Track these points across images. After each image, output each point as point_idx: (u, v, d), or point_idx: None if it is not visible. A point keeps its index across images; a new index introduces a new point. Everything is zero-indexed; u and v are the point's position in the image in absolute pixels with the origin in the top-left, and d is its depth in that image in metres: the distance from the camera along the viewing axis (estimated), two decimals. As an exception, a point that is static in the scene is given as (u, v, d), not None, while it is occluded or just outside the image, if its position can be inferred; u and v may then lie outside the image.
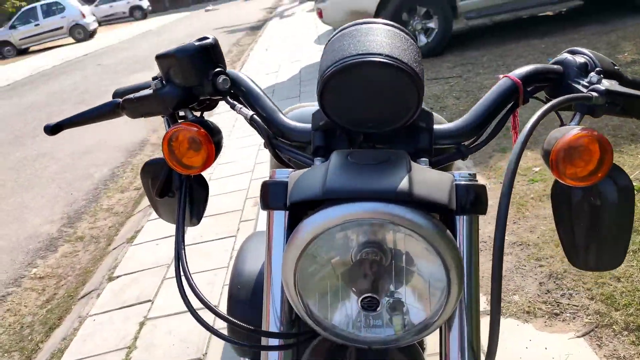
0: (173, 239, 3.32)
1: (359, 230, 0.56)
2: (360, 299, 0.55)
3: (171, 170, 0.79)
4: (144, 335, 2.44)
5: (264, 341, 0.66)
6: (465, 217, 0.63)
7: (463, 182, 0.61)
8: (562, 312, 2.06)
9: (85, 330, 2.58)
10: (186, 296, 0.69)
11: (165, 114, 0.76)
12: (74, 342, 2.52)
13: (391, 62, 0.57)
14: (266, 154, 4.44)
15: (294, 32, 11.16)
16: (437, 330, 0.63)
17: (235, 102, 0.74)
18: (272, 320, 0.64)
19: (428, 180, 0.56)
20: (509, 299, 2.18)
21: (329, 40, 0.66)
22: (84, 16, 21.03)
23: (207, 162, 0.72)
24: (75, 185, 4.80)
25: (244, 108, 0.72)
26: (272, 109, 0.73)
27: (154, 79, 0.74)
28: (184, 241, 0.72)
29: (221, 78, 0.72)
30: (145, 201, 4.08)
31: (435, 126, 0.68)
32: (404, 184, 0.53)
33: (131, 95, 0.77)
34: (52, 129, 0.84)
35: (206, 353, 2.24)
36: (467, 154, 0.70)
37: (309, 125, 0.71)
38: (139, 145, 5.69)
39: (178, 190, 0.77)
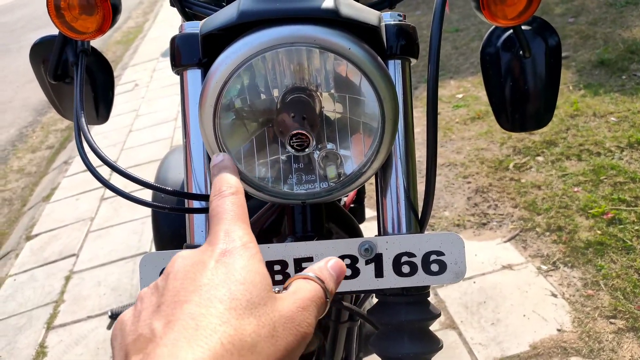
0: (93, 192, 3.14)
1: (283, 68, 0.50)
2: (289, 137, 0.50)
3: (64, 45, 0.69)
4: (71, 288, 2.31)
5: (188, 205, 0.60)
6: (397, 60, 0.59)
7: (393, 22, 0.57)
8: (489, 222, 2.15)
9: (5, 291, 2.41)
10: (87, 158, 0.61)
11: None
12: (-7, 305, 2.35)
13: None
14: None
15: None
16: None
17: None
18: (194, 185, 0.59)
19: (352, 3, 0.51)
20: (440, 214, 2.24)
21: None
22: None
23: (104, 26, 0.63)
24: (-21, 149, 4.40)
25: None
26: None
27: None
28: (83, 111, 0.63)
29: None
30: (61, 157, 3.82)
31: None
32: (328, 2, 0.48)
33: None
34: None
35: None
36: (395, 2, 0.66)
37: None
38: (47, 103, 5.28)
39: (74, 65, 0.68)
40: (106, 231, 2.71)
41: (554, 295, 1.73)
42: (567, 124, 2.66)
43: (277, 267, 0.55)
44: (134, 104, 4.43)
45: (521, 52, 0.71)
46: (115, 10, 0.64)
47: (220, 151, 0.52)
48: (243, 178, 0.54)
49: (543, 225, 2.04)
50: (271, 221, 0.69)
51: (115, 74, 5.32)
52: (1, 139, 4.50)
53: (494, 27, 0.73)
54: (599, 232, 1.94)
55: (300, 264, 0.55)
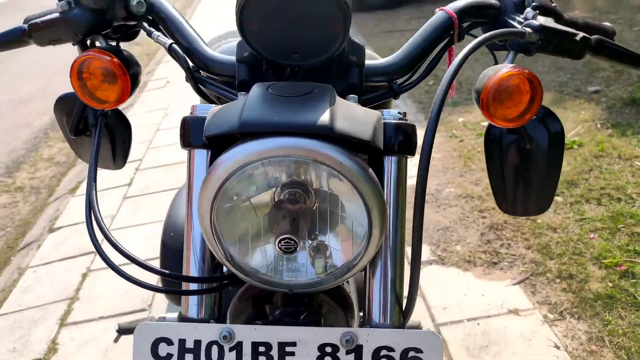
0: (116, 190, 3.23)
1: (280, 169, 0.53)
2: (277, 241, 0.53)
3: (86, 106, 0.73)
4: (87, 286, 2.39)
5: (185, 287, 0.63)
6: (393, 157, 0.61)
7: (392, 121, 0.59)
8: (501, 261, 2.14)
9: (25, 282, 2.50)
10: (96, 239, 0.65)
11: (75, 40, 0.70)
12: (13, 294, 2.43)
13: None
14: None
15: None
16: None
17: (152, 29, 0.68)
18: (192, 266, 0.62)
19: (352, 115, 0.53)
20: (452, 249, 2.24)
21: None
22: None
23: (123, 97, 0.67)
24: (13, 133, 4.55)
25: (162, 36, 0.67)
26: (194, 38, 0.68)
27: (59, 0, 0.68)
28: (95, 183, 0.67)
29: (135, 0, 0.66)
30: (89, 151, 3.92)
31: (367, 62, 0.65)
32: (324, 117, 0.50)
33: (37, 20, 0.70)
34: None
35: (151, 304, 2.21)
36: (399, 92, 0.68)
37: (234, 58, 0.67)
38: (83, 93, 5.42)
39: (92, 127, 0.72)
40: (126, 231, 2.79)
41: (557, 347, 1.72)
42: (590, 165, 2.63)
43: (261, 349, 0.58)
44: (164, 102, 4.53)
45: (524, 142, 0.72)
46: (135, 80, 0.68)
47: (214, 238, 0.55)
48: (234, 264, 0.57)
49: (554, 271, 2.03)
50: (257, 297, 0.72)
51: (147, 69, 5.42)
52: (35, 126, 4.65)
53: None
54: (610, 284, 1.91)
55: (284, 348, 0.58)
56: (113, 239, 0.64)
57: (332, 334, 0.57)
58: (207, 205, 0.54)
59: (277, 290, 0.59)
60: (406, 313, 0.62)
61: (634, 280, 1.91)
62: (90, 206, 0.66)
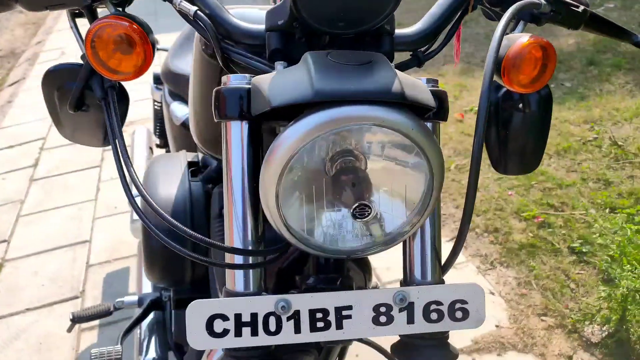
0: (20, 172, 2.94)
1: (340, 137, 0.53)
2: (353, 207, 0.53)
3: (90, 78, 0.66)
4: (5, 278, 2.19)
5: (229, 259, 0.61)
6: (429, 123, 0.63)
7: (428, 88, 0.61)
8: (433, 221, 2.27)
9: None
10: (139, 207, 0.61)
11: (81, 5, 0.63)
12: None
13: None
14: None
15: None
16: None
17: None
18: (237, 240, 0.60)
19: (412, 83, 0.54)
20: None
21: None
22: None
23: (144, 67, 0.62)
24: None
25: (185, 2, 0.62)
26: (217, 5, 0.64)
27: None
28: (127, 153, 0.62)
29: None
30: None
31: (396, 31, 0.66)
32: (396, 85, 0.51)
33: None
34: None
35: (83, 290, 2.09)
36: (423, 61, 0.70)
37: (261, 27, 0.64)
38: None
39: (102, 100, 0.66)
40: (39, 216, 2.57)
41: (492, 294, 1.88)
42: (501, 128, 2.84)
43: (319, 315, 0.58)
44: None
45: (521, 106, 0.77)
46: (153, 50, 0.63)
47: (278, 211, 0.54)
48: (292, 232, 0.56)
49: (482, 226, 2.20)
50: (291, 260, 0.72)
51: (37, 39, 4.91)
52: None
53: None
54: (530, 234, 2.12)
55: (340, 312, 0.59)
56: (160, 211, 0.60)
57: (385, 295, 0.59)
58: (274, 178, 0.52)
59: (334, 256, 0.59)
60: (445, 269, 0.65)
61: (551, 230, 2.13)
62: (126, 183, 0.61)
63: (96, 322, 1.92)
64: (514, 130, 0.79)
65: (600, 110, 2.94)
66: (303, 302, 0.58)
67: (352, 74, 0.52)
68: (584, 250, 2.00)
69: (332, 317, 0.59)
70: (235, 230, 0.60)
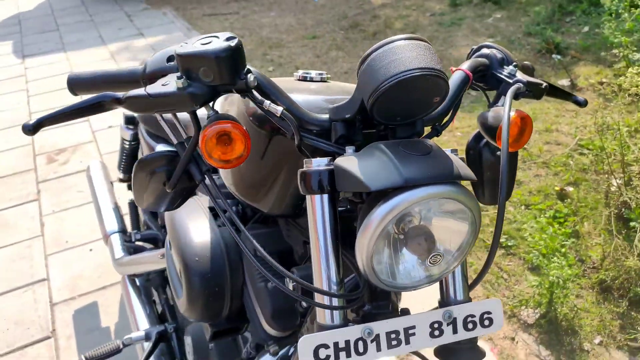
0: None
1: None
2: (430, 257, 0.72)
3: (189, 164, 0.80)
4: (-38, 327, 2.12)
5: (320, 300, 0.78)
6: None
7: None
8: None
9: None
10: (254, 259, 0.75)
11: (188, 110, 0.76)
12: None
13: (434, 73, 0.72)
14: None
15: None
16: None
17: (263, 98, 0.78)
18: (325, 284, 0.76)
19: (460, 164, 0.74)
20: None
21: (368, 56, 0.75)
22: None
23: (243, 157, 0.76)
24: None
25: (273, 104, 0.77)
26: (292, 101, 0.80)
27: (178, 77, 0.73)
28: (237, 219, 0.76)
29: (252, 77, 0.75)
30: None
31: None
32: (455, 169, 0.71)
33: (143, 92, 0.74)
34: (33, 128, 0.77)
35: (54, 330, 2.09)
36: (440, 131, 0.90)
37: (325, 116, 0.81)
38: None
39: (201, 183, 0.79)
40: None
41: (442, 290, 2.16)
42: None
43: (392, 336, 0.77)
44: None
45: (498, 153, 1.01)
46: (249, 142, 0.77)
47: (371, 264, 0.71)
48: (378, 277, 0.74)
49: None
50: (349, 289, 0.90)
51: None
52: None
53: (477, 131, 1.00)
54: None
55: (407, 332, 0.78)
56: (278, 266, 0.75)
57: (437, 314, 0.79)
58: (370, 242, 0.70)
59: (404, 290, 0.78)
60: (471, 288, 0.86)
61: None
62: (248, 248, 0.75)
63: (74, 359, 1.95)
64: (492, 167, 1.02)
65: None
66: (381, 327, 0.77)
67: (423, 162, 0.71)
68: (509, 244, 2.35)
69: (402, 336, 0.78)
70: (324, 277, 0.77)
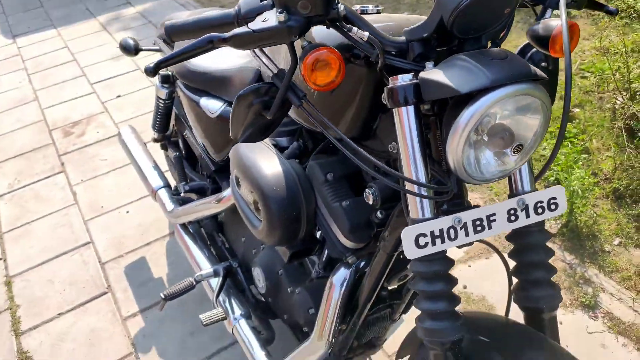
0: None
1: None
2: (514, 147, 0.84)
3: (287, 92, 0.90)
4: (20, 292, 2.24)
5: (413, 197, 0.89)
6: None
7: None
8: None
9: None
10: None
11: (287, 42, 0.85)
12: None
13: None
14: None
15: None
16: None
17: (350, 26, 0.87)
18: (417, 179, 0.88)
19: (533, 66, 0.85)
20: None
21: None
22: None
23: (338, 80, 0.86)
24: None
25: (360, 30, 0.87)
26: (373, 27, 0.89)
27: (280, 12, 0.81)
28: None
29: (342, 6, 0.84)
30: None
31: None
32: (532, 69, 0.81)
33: (246, 29, 0.82)
34: (153, 70, 0.86)
35: (109, 285, 2.22)
36: (499, 45, 1.00)
37: (402, 38, 0.91)
38: None
39: (300, 107, 0.89)
40: (24, 230, 2.59)
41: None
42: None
43: (477, 223, 0.89)
44: None
45: (544, 64, 1.11)
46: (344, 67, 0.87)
47: (462, 160, 0.82)
48: (467, 171, 0.85)
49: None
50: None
51: None
52: None
53: (522, 46, 1.09)
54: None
55: (489, 218, 0.90)
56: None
57: (512, 203, 0.92)
58: (461, 141, 0.81)
59: (485, 183, 0.90)
60: (537, 179, 0.98)
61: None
62: None
63: (135, 309, 2.09)
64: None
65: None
66: (468, 216, 0.89)
67: (503, 65, 0.82)
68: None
69: (485, 223, 0.91)
70: (414, 174, 0.88)
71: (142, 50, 2.08)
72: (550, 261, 1.00)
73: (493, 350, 0.96)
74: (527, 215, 0.94)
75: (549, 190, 0.96)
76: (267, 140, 1.41)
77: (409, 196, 0.91)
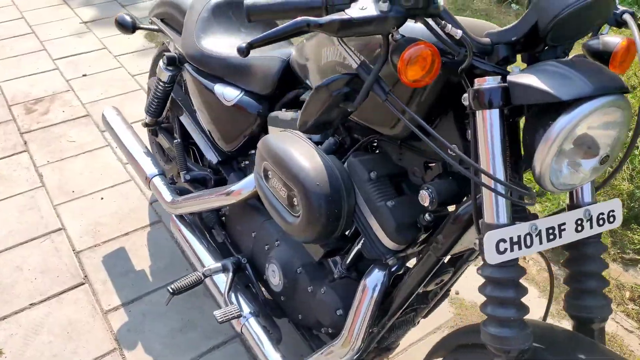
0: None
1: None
2: (601, 158, 0.85)
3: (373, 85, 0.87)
4: (-15, 279, 2.06)
5: (489, 197, 0.89)
6: None
7: None
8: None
9: None
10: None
11: (384, 33, 0.82)
12: None
13: None
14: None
15: None
16: None
17: (445, 22, 0.85)
18: (499, 186, 0.87)
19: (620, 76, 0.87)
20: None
21: None
22: None
23: (432, 75, 0.85)
24: None
25: (453, 27, 0.85)
26: (462, 26, 0.88)
27: (383, 1, 0.79)
28: None
29: (441, 2, 0.82)
30: None
31: None
32: (623, 81, 0.83)
33: (345, 16, 0.79)
34: (245, 50, 0.82)
35: (85, 276, 2.08)
36: (568, 54, 1.02)
37: (487, 39, 0.90)
38: None
39: (385, 100, 0.87)
40: (-13, 210, 2.39)
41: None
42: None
43: (550, 230, 0.90)
44: None
45: None
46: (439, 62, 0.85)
47: (549, 170, 0.82)
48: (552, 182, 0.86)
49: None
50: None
51: None
52: None
53: None
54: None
55: (560, 227, 0.92)
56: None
57: (579, 213, 0.94)
58: (552, 149, 0.81)
59: (561, 192, 0.91)
60: (597, 190, 1.01)
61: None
62: None
63: (117, 302, 1.97)
64: None
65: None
66: (543, 223, 0.91)
67: (599, 75, 0.83)
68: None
69: (557, 231, 0.92)
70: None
71: (139, 28, 1.97)
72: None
73: (550, 356, 0.97)
74: (591, 226, 0.97)
75: (608, 202, 0.99)
76: (300, 133, 1.36)
77: (485, 200, 0.91)
